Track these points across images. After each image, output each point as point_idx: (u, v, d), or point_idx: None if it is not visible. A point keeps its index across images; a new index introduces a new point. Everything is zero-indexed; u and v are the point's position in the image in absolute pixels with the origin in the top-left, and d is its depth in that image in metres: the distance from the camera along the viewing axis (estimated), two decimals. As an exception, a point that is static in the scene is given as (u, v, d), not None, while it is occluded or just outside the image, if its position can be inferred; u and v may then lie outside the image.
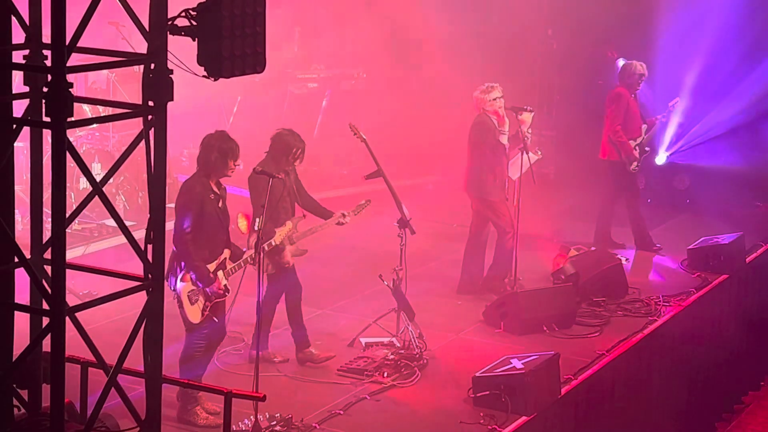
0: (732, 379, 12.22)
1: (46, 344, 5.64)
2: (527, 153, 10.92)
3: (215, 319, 8.31)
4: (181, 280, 8.13)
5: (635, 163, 12.51)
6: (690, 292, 11.34)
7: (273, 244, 8.77)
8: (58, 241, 5.50)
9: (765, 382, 12.94)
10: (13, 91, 6.00)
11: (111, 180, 10.75)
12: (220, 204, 8.27)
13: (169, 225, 6.45)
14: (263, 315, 9.25)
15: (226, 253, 8.34)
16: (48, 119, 5.39)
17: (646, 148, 12.73)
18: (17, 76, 6.24)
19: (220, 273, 8.25)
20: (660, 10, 14.80)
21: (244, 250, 8.64)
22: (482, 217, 11.15)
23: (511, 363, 8.82)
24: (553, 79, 15.75)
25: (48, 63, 5.61)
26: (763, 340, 12.84)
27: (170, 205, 11.33)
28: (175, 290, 8.14)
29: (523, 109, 10.96)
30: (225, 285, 8.28)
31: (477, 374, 8.81)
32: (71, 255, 10.42)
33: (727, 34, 14.81)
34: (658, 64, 14.89)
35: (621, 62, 15.35)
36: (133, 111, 6.01)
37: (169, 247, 6.12)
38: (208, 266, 8.20)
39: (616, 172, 12.65)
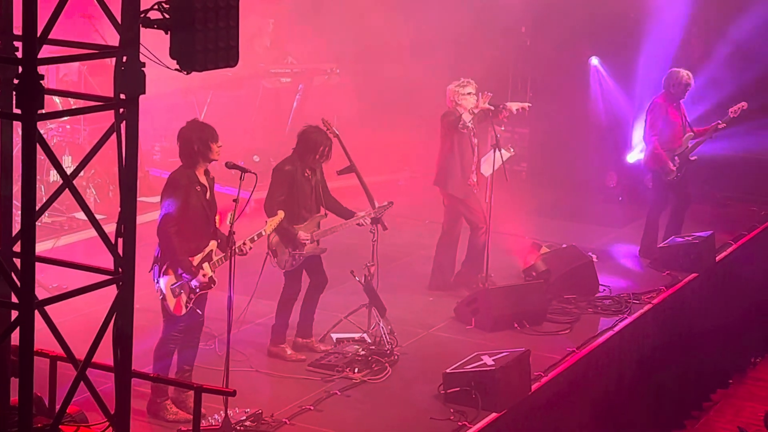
0: (701, 377, 12.28)
1: (15, 338, 5.61)
2: (500, 150, 10.93)
3: (198, 311, 8.29)
4: (164, 273, 8.10)
5: (672, 174, 12.22)
6: (660, 290, 11.39)
7: (263, 233, 8.77)
8: (28, 234, 5.46)
9: (733, 380, 13.02)
10: (-17, 83, 5.95)
11: (82, 173, 10.73)
12: (207, 195, 8.25)
13: (141, 219, 6.42)
14: (281, 311, 9.31)
15: (213, 244, 8.31)
16: (18, 111, 5.35)
17: (692, 157, 12.30)
18: (-13, 68, 6.19)
19: (205, 265, 8.23)
20: (635, 7, 14.84)
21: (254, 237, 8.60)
22: (454, 213, 11.16)
23: (482, 359, 8.83)
24: (527, 77, 15.78)
25: (19, 54, 5.57)
26: (731, 339, 12.92)
27: (141, 199, 11.29)
28: (157, 282, 8.12)
29: (495, 106, 10.96)
30: (210, 276, 8.25)
31: (447, 370, 8.82)
32: (41, 248, 10.37)
33: (700, 29, 14.90)
34: (633, 61, 14.95)
35: (594, 60, 15.43)
36: (104, 104, 5.97)
37: (141, 241, 6.09)
38: (194, 258, 8.17)
39: (654, 181, 12.52)
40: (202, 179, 8.24)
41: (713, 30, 14.99)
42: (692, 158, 12.35)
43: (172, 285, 8.12)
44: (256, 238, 8.62)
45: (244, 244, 8.39)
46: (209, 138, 8.20)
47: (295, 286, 9.42)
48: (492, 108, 10.86)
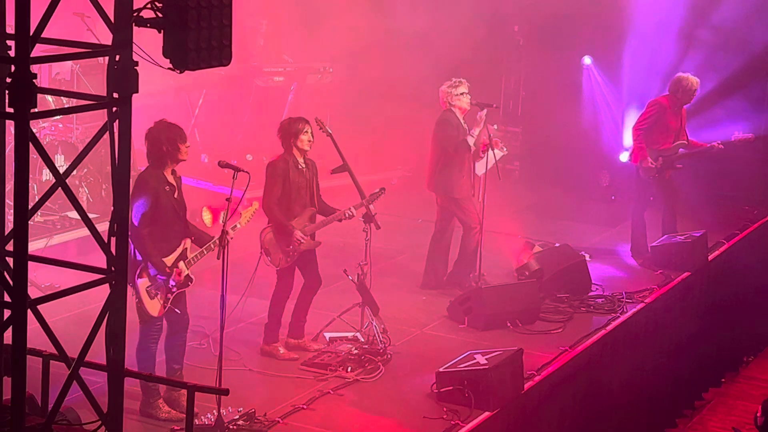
0: (693, 376, 12.30)
1: (8, 337, 5.60)
2: (492, 149, 10.94)
3: (177, 310, 8.28)
4: (139, 276, 8.09)
5: (651, 172, 12.13)
6: (652, 289, 11.40)
7: (238, 227, 8.75)
8: (21, 233, 5.45)
9: (725, 378, 13.04)
10: (-24, 82, 5.94)
11: (74, 172, 10.72)
12: (175, 194, 8.23)
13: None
14: (273, 310, 9.31)
15: (187, 243, 8.31)
16: (11, 110, 5.34)
17: (678, 165, 12.27)
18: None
19: (181, 264, 8.22)
20: (627, 7, 14.85)
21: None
22: (448, 213, 11.17)
23: (475, 358, 8.84)
24: (520, 76, 15.80)
25: (12, 53, 5.56)
26: (724, 338, 12.94)
27: (134, 198, 11.16)
28: (133, 285, 8.10)
29: (488, 105, 10.97)
30: (187, 275, 8.25)
31: (440, 369, 8.82)
32: (33, 247, 10.35)
33: (693, 30, 14.91)
34: (626, 60, 14.96)
35: (587, 60, 15.45)
36: (97, 103, 5.97)
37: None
38: (168, 258, 8.17)
39: (637, 177, 12.47)
40: (170, 179, 8.23)
41: (704, 24, 14.99)
42: (678, 166, 12.35)
43: (147, 287, 8.12)
44: (231, 231, 8.56)
45: (226, 233, 8.38)
46: (177, 138, 8.17)
47: (287, 285, 9.42)
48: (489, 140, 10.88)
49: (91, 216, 6.08)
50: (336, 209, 9.55)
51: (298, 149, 9.30)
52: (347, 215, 9.54)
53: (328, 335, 9.65)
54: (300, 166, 9.31)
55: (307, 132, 9.29)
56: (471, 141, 10.82)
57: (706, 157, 12.65)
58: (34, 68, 5.35)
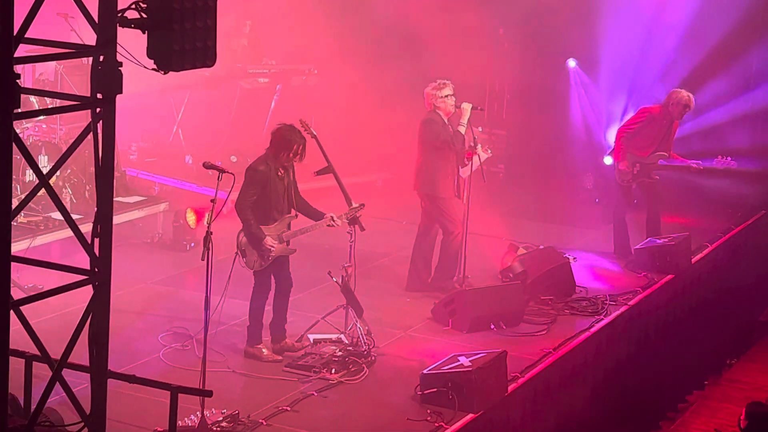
0: (677, 379, 12.33)
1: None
2: (479, 156, 10.95)
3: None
4: None
5: (626, 176, 12.26)
6: (636, 291, 11.43)
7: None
8: (3, 234, 5.44)
9: (709, 381, 13.07)
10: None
11: (58, 172, 10.69)
12: None
13: (117, 219, 6.42)
14: (253, 312, 9.28)
15: None
16: (-6, 110, 5.33)
17: (655, 176, 12.38)
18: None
19: None
20: (612, 10, 14.89)
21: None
22: (431, 215, 11.17)
23: (459, 360, 8.84)
24: (504, 79, 15.82)
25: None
26: (707, 340, 12.97)
27: (117, 199, 11.19)
28: None
29: (473, 107, 10.98)
30: None
31: (424, 371, 8.82)
32: (17, 248, 10.31)
33: (675, 32, 14.95)
34: (610, 64, 15.00)
35: (571, 63, 15.48)
36: (81, 103, 5.96)
37: (117, 241, 6.09)
38: None
39: (614, 182, 12.56)
40: None
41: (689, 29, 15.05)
42: (655, 177, 12.40)
43: None
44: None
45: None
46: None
47: (265, 286, 9.38)
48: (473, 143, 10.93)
49: (74, 217, 6.07)
50: (317, 210, 9.47)
51: (282, 161, 9.25)
52: (328, 224, 9.48)
53: (312, 337, 9.63)
54: (279, 173, 9.25)
55: (299, 153, 9.23)
56: (462, 130, 10.83)
57: (686, 172, 12.73)
58: (18, 68, 5.34)
